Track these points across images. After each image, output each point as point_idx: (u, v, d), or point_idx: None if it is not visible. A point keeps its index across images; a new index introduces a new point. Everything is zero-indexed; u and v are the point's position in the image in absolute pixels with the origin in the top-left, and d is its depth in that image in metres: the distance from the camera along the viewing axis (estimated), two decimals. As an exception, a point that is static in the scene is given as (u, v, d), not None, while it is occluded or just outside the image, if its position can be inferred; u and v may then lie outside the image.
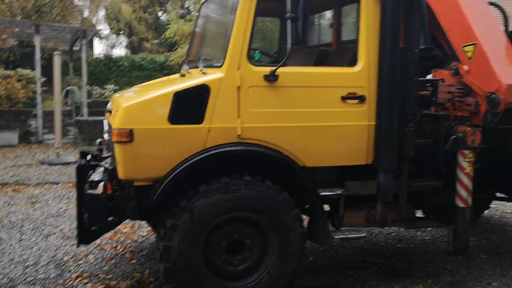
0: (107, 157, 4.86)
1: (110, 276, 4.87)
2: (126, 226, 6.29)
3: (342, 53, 4.70)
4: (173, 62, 24.68)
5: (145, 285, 4.66)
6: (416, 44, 4.28)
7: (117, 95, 5.25)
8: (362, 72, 4.18)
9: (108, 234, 5.99)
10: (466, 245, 4.63)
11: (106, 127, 4.59)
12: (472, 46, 4.57)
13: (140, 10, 36.96)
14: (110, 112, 4.16)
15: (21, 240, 5.88)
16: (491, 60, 4.45)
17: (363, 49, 4.17)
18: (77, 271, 4.98)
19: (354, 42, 4.37)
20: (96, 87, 20.24)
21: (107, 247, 5.63)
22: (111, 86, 21.31)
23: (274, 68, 3.92)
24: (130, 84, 24.65)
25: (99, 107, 16.06)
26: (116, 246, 5.69)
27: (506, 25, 5.19)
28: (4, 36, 15.40)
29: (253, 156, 4.00)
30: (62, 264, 5.15)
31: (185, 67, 5.40)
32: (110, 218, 3.98)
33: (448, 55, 4.76)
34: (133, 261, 5.27)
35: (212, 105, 3.87)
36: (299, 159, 4.10)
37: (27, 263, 5.14)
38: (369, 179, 4.35)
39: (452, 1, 4.68)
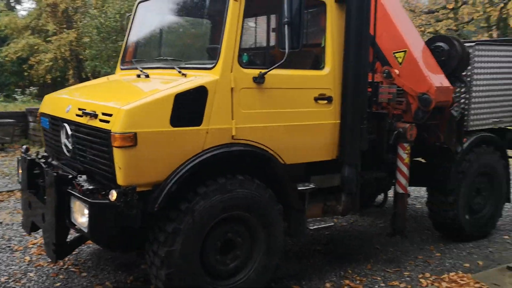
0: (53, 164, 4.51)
1: (70, 292, 4.50)
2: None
3: (301, 56, 5.02)
4: (7, 57, 22.27)
5: (116, 297, 4.43)
6: (368, 49, 4.78)
7: (60, 95, 4.86)
8: (329, 75, 4.57)
9: (33, 250, 5.49)
10: (404, 227, 5.36)
11: (69, 131, 4.22)
12: (403, 53, 5.30)
13: None
14: (87, 115, 3.85)
15: None
16: (420, 65, 5.23)
17: (329, 54, 4.56)
18: (27, 292, 4.49)
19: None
20: None
21: (42, 263, 5.12)
22: None
23: (263, 70, 4.08)
24: None
25: None
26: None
27: None
28: None
29: (246, 156, 4.12)
30: (2, 286, 4.57)
31: (121, 66, 5.23)
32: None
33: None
34: (84, 274, 4.91)
35: (209, 106, 3.89)
36: (281, 157, 4.33)
37: (-44, 291, 4.45)
38: (331, 173, 4.78)
39: (382, 11, 5.32)
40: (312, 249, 5.77)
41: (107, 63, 17.01)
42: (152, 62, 4.88)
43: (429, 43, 5.60)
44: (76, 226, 3.81)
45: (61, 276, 4.84)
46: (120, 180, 3.61)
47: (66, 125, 4.28)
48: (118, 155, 3.57)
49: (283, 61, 3.95)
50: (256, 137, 4.15)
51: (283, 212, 4.37)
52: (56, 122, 4.50)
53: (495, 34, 18.50)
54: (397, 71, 5.32)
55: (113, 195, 3.49)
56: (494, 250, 5.93)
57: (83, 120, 3.96)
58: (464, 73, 5.72)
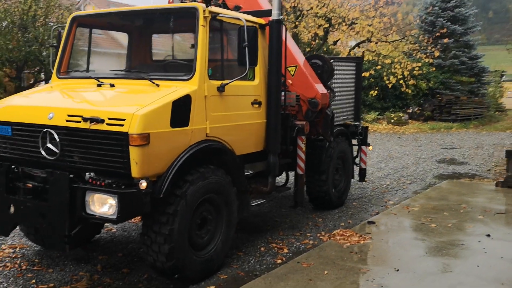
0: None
1: (52, 285, 4.90)
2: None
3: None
4: None
5: (101, 282, 5.01)
6: (280, 64, 6.19)
7: (30, 104, 5.19)
8: (258, 85, 5.88)
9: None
10: (302, 200, 6.96)
11: (56, 136, 4.68)
12: (294, 67, 6.90)
13: None
14: (87, 120, 4.44)
15: None
16: (308, 77, 6.91)
17: (258, 68, 5.86)
18: (9, 290, 4.75)
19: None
20: None
21: (-3, 268, 5.29)
22: None
23: (225, 81, 5.19)
24: None
25: None
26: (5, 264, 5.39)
27: None
28: None
29: (217, 149, 5.18)
30: (-22, 290, 4.73)
31: (59, 75, 5.75)
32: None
33: None
34: (50, 270, 5.28)
35: (193, 111, 4.86)
36: (233, 150, 5.49)
37: None
38: (258, 161, 6.10)
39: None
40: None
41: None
42: (103, 73, 5.55)
43: (308, 60, 7.32)
44: (96, 216, 4.38)
45: (29, 275, 5.13)
46: (136, 173, 4.36)
47: (51, 130, 4.72)
48: (135, 152, 4.32)
49: (244, 75, 5.14)
50: (220, 134, 5.25)
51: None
52: (31, 129, 4.85)
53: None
54: (290, 81, 6.90)
55: (144, 184, 4.25)
56: (353, 212, 7.97)
57: (82, 125, 4.53)
58: (329, 83, 7.61)
